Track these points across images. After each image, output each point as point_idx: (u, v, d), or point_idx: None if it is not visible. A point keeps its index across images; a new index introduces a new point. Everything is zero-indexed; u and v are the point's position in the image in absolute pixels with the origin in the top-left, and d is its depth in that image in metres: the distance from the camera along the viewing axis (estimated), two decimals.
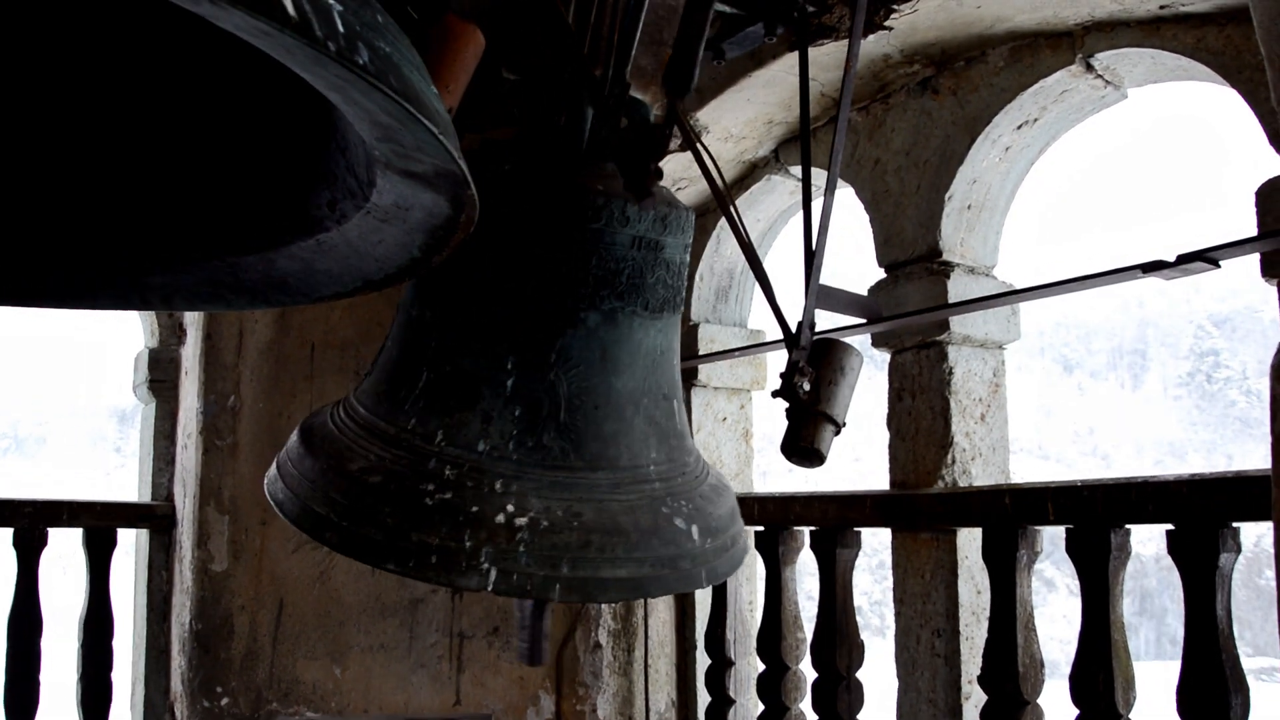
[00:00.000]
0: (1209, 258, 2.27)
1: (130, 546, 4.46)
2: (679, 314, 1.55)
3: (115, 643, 4.16)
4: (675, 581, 1.37)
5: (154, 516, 4.31)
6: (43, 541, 3.99)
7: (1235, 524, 2.39)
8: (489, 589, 1.26)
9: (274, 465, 1.46)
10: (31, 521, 3.97)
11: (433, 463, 1.35)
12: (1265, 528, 2.08)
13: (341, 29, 0.84)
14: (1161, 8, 2.67)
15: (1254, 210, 2.37)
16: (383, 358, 1.54)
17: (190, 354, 4.13)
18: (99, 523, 4.15)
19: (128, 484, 4.74)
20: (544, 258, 1.42)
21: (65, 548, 4.23)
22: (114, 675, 4.14)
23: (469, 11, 1.69)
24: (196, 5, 0.75)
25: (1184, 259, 2.35)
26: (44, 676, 3.92)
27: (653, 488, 1.41)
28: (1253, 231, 2.35)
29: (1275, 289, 2.36)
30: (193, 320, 4.14)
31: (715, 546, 1.41)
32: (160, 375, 4.45)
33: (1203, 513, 2.38)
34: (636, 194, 1.49)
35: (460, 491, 1.32)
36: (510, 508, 1.31)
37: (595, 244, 1.43)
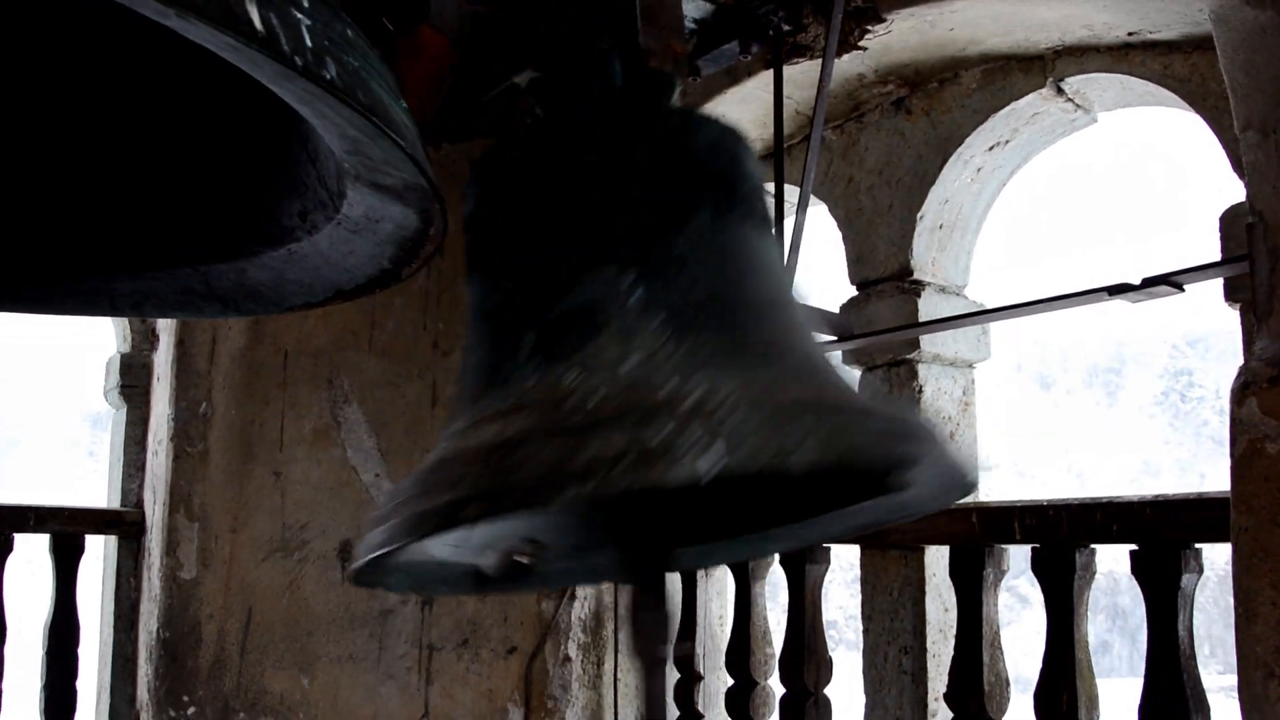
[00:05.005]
0: (1173, 282, 2.30)
1: (99, 553, 4.43)
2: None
3: (81, 650, 4.12)
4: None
5: (123, 523, 4.28)
6: (8, 547, 3.94)
7: (1197, 545, 2.42)
8: (718, 468, 0.96)
9: (361, 546, 1.19)
10: None
11: (574, 398, 1.07)
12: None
13: (309, 44, 0.85)
14: (1130, 35, 2.72)
15: (1217, 235, 2.41)
16: (469, 365, 1.35)
17: (162, 360, 4.11)
18: (66, 528, 4.12)
19: (99, 489, 4.70)
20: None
21: (32, 552, 4.18)
22: (79, 683, 4.10)
23: (446, 24, 1.70)
24: (164, 18, 0.75)
25: (1149, 282, 2.39)
26: (7, 683, 3.88)
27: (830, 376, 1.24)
28: (1216, 256, 2.39)
29: (1239, 313, 2.40)
30: (165, 326, 4.12)
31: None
32: (132, 380, 4.42)
33: (1165, 534, 2.41)
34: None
35: (628, 399, 1.05)
36: (699, 392, 1.03)
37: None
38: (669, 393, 1.05)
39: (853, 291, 3.46)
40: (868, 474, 1.22)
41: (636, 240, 1.26)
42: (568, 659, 3.83)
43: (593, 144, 1.35)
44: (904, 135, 3.35)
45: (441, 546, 1.34)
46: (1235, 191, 2.39)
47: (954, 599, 2.95)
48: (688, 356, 1.15)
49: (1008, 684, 2.86)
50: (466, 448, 1.12)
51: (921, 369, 3.25)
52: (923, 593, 3.15)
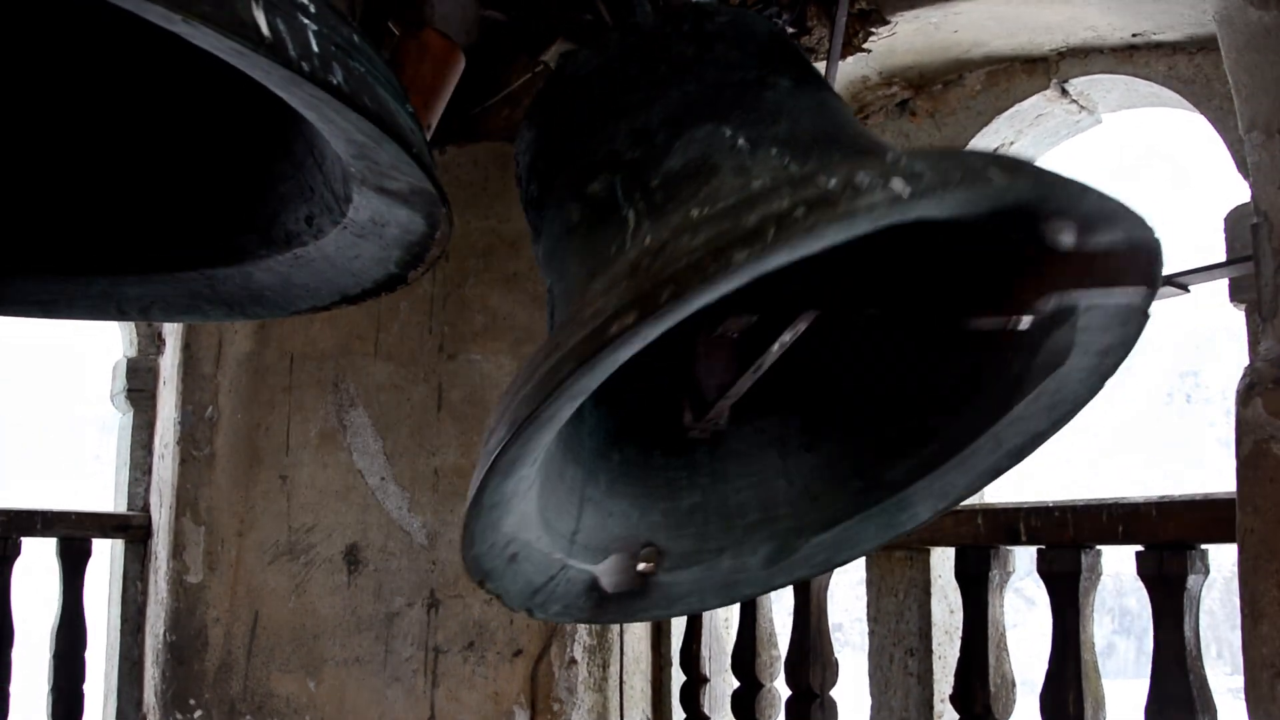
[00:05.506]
0: (1178, 283, 2.30)
1: (106, 556, 4.43)
2: None
3: (88, 654, 4.12)
4: None
5: (129, 527, 4.28)
6: (16, 551, 3.95)
7: (1204, 546, 2.41)
8: (910, 189, 0.84)
9: (487, 444, 1.03)
10: (4, 530, 3.94)
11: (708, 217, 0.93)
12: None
13: (316, 49, 0.85)
14: (1134, 36, 2.72)
15: (1222, 236, 2.41)
16: (559, 294, 1.28)
17: (168, 364, 4.12)
18: (74, 532, 4.12)
19: (105, 492, 4.71)
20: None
21: (39, 556, 4.19)
22: (86, 687, 4.10)
23: (451, 29, 1.71)
24: (171, 23, 0.76)
25: None
26: (14, 687, 3.89)
27: None
28: (1221, 256, 2.39)
29: (1244, 313, 2.39)
30: (171, 330, 4.12)
31: None
32: (138, 385, 4.42)
33: (1171, 535, 2.41)
34: None
35: (777, 182, 0.94)
36: (850, 164, 0.91)
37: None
38: (813, 171, 0.92)
39: None
40: (1060, 208, 1.03)
41: (726, 105, 1.23)
42: (573, 662, 3.83)
43: (655, 42, 1.36)
44: (909, 137, 3.35)
45: (558, 538, 1.26)
46: (1240, 192, 2.39)
47: (959, 600, 2.95)
48: (819, 164, 1.06)
49: (1013, 685, 2.86)
50: (593, 291, 0.97)
51: None
52: (928, 594, 3.15)
